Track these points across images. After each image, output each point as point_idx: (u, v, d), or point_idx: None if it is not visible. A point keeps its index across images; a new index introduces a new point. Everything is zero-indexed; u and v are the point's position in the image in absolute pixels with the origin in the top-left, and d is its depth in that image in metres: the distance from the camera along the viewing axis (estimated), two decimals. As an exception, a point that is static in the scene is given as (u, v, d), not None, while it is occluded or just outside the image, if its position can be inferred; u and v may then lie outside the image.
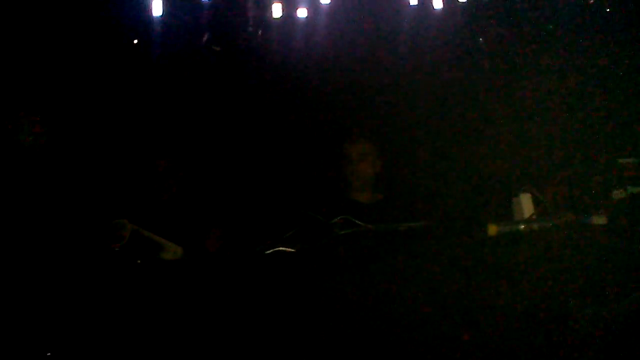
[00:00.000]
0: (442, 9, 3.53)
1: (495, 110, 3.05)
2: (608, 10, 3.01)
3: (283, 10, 3.81)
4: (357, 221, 1.95)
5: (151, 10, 3.72)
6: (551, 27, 3.21)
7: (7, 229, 2.09)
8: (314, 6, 3.77)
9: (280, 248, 1.93)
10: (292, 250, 1.94)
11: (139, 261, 1.94)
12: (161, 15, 3.73)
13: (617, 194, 2.14)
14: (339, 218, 2.01)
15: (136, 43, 3.81)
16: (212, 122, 3.68)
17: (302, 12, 3.82)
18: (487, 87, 3.19)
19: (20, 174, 2.26)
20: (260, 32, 3.78)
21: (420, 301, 1.78)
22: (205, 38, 3.84)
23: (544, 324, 1.53)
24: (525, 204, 2.33)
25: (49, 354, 1.60)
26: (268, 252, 1.92)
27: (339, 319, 1.77)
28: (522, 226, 2.16)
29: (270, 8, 3.79)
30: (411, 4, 3.66)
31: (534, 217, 2.23)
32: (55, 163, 2.42)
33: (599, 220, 2.07)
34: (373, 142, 3.21)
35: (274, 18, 3.79)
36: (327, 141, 3.52)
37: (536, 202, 2.31)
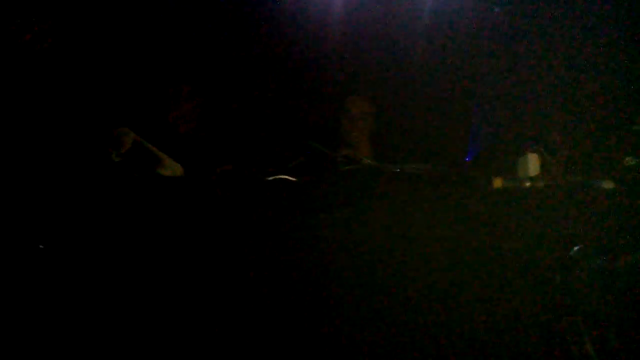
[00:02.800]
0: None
1: (507, 65, 2.99)
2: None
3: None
4: (362, 157, 1.91)
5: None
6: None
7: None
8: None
9: (283, 176, 1.90)
10: (294, 179, 1.91)
11: (136, 175, 1.90)
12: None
13: (628, 160, 2.11)
14: (343, 152, 1.97)
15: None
16: (224, 54, 3.61)
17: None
18: (498, 40, 3.12)
19: (22, 73, 2.20)
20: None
21: (419, 246, 1.76)
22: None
23: (548, 273, 1.51)
24: (532, 164, 2.30)
25: (42, 246, 1.58)
26: (269, 179, 1.89)
27: (336, 254, 1.75)
28: (528, 183, 2.14)
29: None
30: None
31: (540, 175, 2.20)
32: (65, 68, 2.36)
33: (607, 184, 2.04)
34: (375, 99, 3.22)
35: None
36: (324, 96, 3.47)
37: (543, 163, 2.28)
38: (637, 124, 2.21)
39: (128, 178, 1.86)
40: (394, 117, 3.39)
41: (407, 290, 1.71)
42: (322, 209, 1.82)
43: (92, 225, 1.75)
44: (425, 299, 1.69)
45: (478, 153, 2.95)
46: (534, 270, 1.53)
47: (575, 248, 1.49)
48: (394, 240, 1.78)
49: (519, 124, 2.72)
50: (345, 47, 3.61)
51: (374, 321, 1.70)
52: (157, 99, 2.89)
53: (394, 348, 1.67)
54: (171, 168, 1.92)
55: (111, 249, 1.73)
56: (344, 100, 3.22)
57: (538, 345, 1.46)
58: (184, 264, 1.74)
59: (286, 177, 1.90)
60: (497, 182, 2.09)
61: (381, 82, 3.49)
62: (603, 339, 1.41)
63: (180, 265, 1.74)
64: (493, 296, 1.58)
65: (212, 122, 3.01)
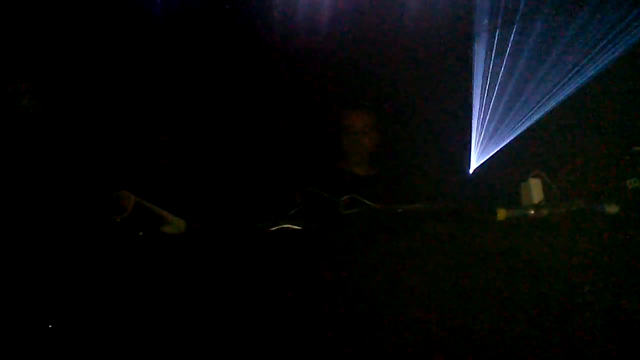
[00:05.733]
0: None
1: (510, 93, 2.99)
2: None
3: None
4: (364, 200, 1.91)
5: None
6: (566, 11, 3.12)
7: (5, 195, 2.05)
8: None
9: (285, 225, 1.89)
10: (297, 227, 1.90)
11: (141, 233, 1.89)
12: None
13: (631, 182, 2.09)
14: (345, 197, 1.96)
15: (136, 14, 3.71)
16: (212, 96, 3.61)
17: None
18: (497, 70, 3.12)
19: (16, 142, 2.21)
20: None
21: (426, 285, 1.74)
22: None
23: (558, 314, 1.48)
24: (535, 190, 2.28)
25: (50, 326, 1.57)
26: (272, 229, 1.88)
27: (344, 299, 1.73)
28: (532, 211, 2.12)
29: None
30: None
31: (543, 202, 2.19)
32: (57, 135, 2.37)
33: (612, 209, 2.03)
34: (377, 114, 3.15)
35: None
36: (325, 111, 3.44)
37: (546, 188, 2.27)
38: (637, 145, 2.20)
39: (132, 237, 1.86)
40: (396, 130, 3.36)
41: (416, 332, 1.69)
42: (326, 255, 1.80)
43: (98, 286, 1.75)
44: (433, 341, 1.67)
45: (481, 179, 2.94)
46: (542, 313, 1.51)
47: (586, 289, 1.47)
48: (400, 282, 1.77)
49: (520, 149, 2.72)
50: (341, 57, 3.59)
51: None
52: (153, 151, 2.90)
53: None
54: (175, 225, 1.92)
55: (118, 307, 1.72)
56: (343, 115, 3.15)
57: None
58: (191, 319, 1.73)
59: (288, 225, 1.89)
60: (502, 214, 2.08)
61: (381, 92, 3.46)
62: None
63: (188, 321, 1.73)
64: (501, 338, 1.56)
65: (212, 171, 3.02)
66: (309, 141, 3.54)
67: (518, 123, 2.93)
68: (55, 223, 1.95)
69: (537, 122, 2.69)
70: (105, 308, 1.71)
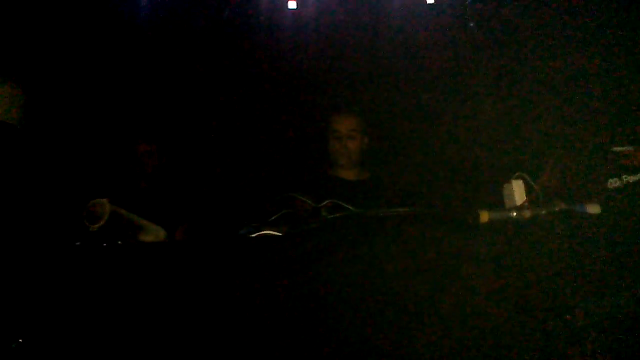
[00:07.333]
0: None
1: (489, 95, 3.00)
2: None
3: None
4: (346, 205, 1.89)
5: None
6: (545, 13, 3.14)
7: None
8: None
9: (266, 231, 1.87)
10: (279, 233, 1.88)
11: (119, 242, 1.86)
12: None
13: (612, 182, 2.09)
14: (327, 201, 1.94)
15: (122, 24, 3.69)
16: (193, 105, 3.59)
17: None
18: (480, 72, 3.13)
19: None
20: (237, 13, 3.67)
21: (408, 289, 1.73)
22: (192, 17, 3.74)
23: (537, 316, 1.48)
24: (517, 191, 2.28)
25: (20, 340, 1.54)
26: (253, 235, 1.86)
27: (327, 305, 1.72)
28: (514, 213, 2.11)
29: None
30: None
31: (526, 204, 2.18)
32: (34, 143, 2.34)
33: (593, 209, 2.02)
34: (362, 118, 3.15)
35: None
36: (312, 116, 3.43)
37: (528, 189, 2.26)
38: (618, 145, 2.21)
39: (109, 246, 1.83)
40: (384, 133, 3.35)
41: (398, 337, 1.69)
42: (309, 260, 1.79)
43: (76, 298, 1.72)
44: (417, 345, 1.66)
45: (464, 181, 2.94)
46: (526, 315, 1.50)
47: (568, 290, 1.46)
48: (382, 286, 1.76)
49: (501, 151, 2.72)
50: (329, 62, 3.58)
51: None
52: (131, 160, 2.87)
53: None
54: (154, 233, 1.89)
55: (96, 318, 1.69)
56: (330, 119, 3.15)
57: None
58: (172, 327, 1.70)
59: (269, 231, 1.87)
60: (484, 216, 2.07)
61: (368, 96, 3.46)
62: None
63: (169, 330, 1.70)
64: (484, 341, 1.55)
65: (192, 178, 3.00)
66: (297, 147, 3.53)
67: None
68: (30, 232, 1.91)
69: (519, 124, 2.70)
70: (83, 320, 1.68)
